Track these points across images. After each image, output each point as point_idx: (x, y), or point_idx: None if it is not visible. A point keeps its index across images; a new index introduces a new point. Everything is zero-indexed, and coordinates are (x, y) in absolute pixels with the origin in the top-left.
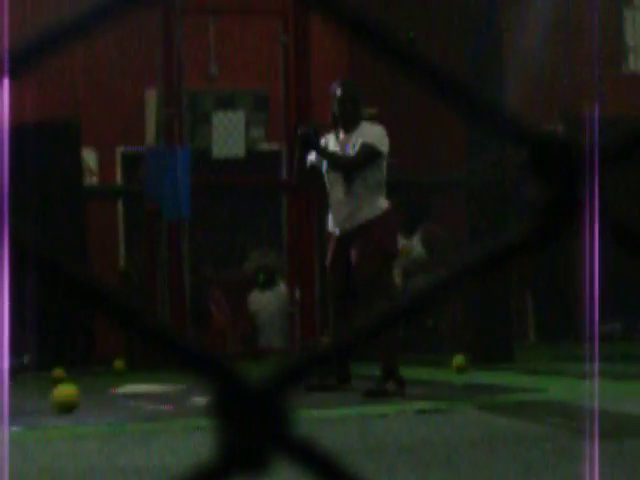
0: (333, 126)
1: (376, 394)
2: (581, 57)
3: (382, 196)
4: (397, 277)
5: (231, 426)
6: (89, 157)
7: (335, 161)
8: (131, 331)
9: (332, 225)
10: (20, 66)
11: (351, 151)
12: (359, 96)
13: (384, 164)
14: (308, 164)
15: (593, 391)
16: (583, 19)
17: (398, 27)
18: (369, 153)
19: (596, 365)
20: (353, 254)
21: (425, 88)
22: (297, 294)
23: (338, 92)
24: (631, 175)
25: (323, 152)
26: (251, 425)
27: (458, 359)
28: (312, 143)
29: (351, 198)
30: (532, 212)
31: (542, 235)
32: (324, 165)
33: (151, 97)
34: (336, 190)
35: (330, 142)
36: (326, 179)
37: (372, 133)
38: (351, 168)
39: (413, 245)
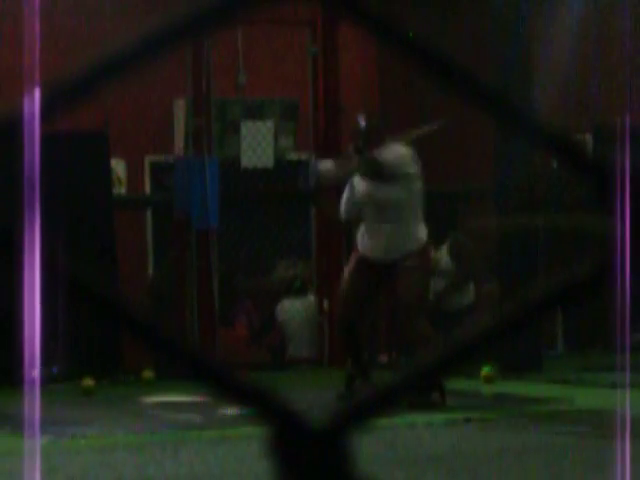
0: (356, 155)
1: (423, 405)
2: (611, 66)
3: (421, 226)
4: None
5: (292, 468)
6: (118, 167)
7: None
8: (173, 365)
9: (367, 249)
10: (72, 98)
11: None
12: (383, 131)
13: (418, 190)
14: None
15: (622, 401)
16: (613, 27)
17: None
18: (394, 170)
19: (627, 374)
20: (396, 284)
21: (458, 96)
22: (325, 304)
23: (364, 134)
24: None
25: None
26: (313, 467)
27: (486, 369)
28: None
29: (392, 228)
30: (602, 249)
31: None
32: (359, 193)
33: (180, 106)
34: (375, 217)
35: (358, 184)
36: (364, 204)
37: (395, 155)
38: (376, 172)
39: (440, 256)
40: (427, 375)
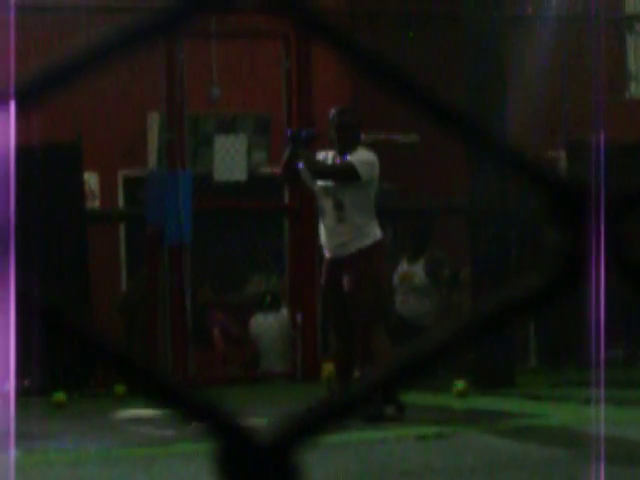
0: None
1: (375, 419)
2: (583, 83)
3: (374, 224)
4: (399, 304)
5: None
6: (91, 180)
7: (312, 166)
8: (133, 384)
9: (325, 248)
10: (31, 98)
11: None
12: (356, 123)
13: (372, 191)
14: (296, 165)
15: (594, 417)
16: (584, 44)
17: (399, 55)
18: (344, 169)
19: (601, 391)
20: (346, 283)
21: (425, 117)
22: (299, 318)
23: (335, 119)
24: None
25: (305, 155)
26: None
27: (459, 384)
28: (298, 140)
29: (343, 227)
30: (552, 260)
31: (562, 285)
32: (315, 186)
33: (153, 120)
34: (328, 217)
35: (328, 161)
36: (319, 203)
37: (358, 156)
38: (323, 175)
39: (416, 271)
40: (379, 388)
